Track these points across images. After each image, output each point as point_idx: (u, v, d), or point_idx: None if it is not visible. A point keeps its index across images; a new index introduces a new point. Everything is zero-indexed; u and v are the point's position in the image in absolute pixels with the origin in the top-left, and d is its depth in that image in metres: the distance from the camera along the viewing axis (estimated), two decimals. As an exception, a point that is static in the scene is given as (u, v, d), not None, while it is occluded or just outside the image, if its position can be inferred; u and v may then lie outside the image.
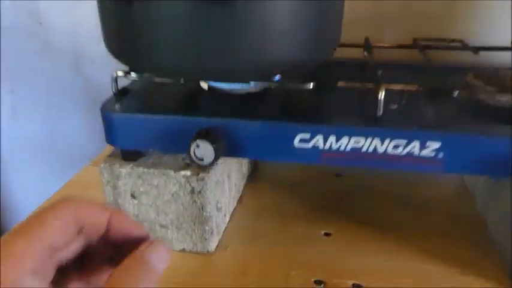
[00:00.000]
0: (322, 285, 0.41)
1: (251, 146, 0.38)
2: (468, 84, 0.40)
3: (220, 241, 0.47)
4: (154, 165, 0.42)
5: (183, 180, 0.41)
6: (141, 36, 0.35)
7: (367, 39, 0.49)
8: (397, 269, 0.43)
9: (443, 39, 0.50)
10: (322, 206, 0.53)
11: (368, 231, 0.48)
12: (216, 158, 0.36)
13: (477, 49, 0.47)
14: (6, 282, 0.21)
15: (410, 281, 0.41)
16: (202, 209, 0.42)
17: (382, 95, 0.36)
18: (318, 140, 0.37)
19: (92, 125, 0.97)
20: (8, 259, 0.21)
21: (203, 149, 0.36)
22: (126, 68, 0.42)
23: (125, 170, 0.42)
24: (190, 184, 0.41)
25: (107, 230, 0.26)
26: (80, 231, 0.25)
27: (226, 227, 0.49)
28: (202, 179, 0.41)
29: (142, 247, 0.25)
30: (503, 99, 0.38)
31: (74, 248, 0.26)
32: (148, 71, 0.40)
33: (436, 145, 0.36)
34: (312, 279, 0.42)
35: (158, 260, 0.25)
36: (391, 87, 0.38)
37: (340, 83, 0.38)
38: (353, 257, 0.45)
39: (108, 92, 0.44)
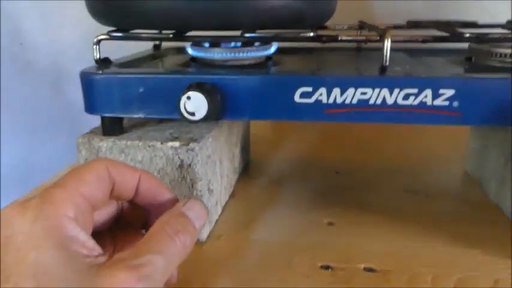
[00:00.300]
0: (330, 270, 0.36)
1: (248, 104, 0.35)
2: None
3: (211, 232, 0.42)
4: (138, 138, 0.38)
5: (170, 152, 0.37)
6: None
7: (361, 22, 0.47)
8: (409, 251, 0.38)
9: (438, 21, 0.49)
10: (322, 198, 0.49)
11: (374, 218, 0.44)
12: (210, 113, 0.32)
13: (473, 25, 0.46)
14: (47, 225, 0.21)
15: (429, 262, 0.37)
16: (192, 186, 0.38)
17: (388, 42, 0.34)
18: (321, 93, 0.34)
19: (73, 148, 0.92)
20: (49, 204, 0.22)
21: (195, 101, 0.32)
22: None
23: (105, 144, 0.38)
24: (179, 157, 0.37)
25: (137, 191, 0.27)
26: (112, 190, 0.25)
27: (218, 219, 0.44)
28: (193, 150, 0.36)
29: (180, 203, 0.26)
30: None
31: (107, 211, 0.27)
32: (135, 23, 0.36)
33: (450, 92, 0.33)
34: (319, 264, 0.37)
35: (196, 216, 0.25)
36: (397, 35, 0.35)
37: (342, 35, 0.35)
38: (361, 242, 0.40)
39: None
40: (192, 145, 0.36)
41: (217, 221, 0.43)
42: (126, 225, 0.28)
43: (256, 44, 0.41)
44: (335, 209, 0.46)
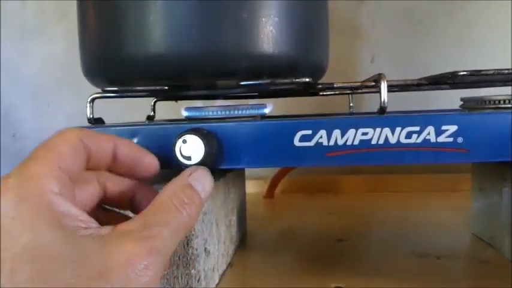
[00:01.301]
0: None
1: (246, 150, 0.33)
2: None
3: (209, 300, 0.38)
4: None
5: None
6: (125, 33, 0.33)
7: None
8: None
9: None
10: (327, 264, 0.45)
11: (385, 282, 0.40)
12: (207, 157, 0.31)
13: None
14: (34, 204, 0.20)
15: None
16: (187, 244, 0.35)
17: (384, 84, 0.34)
18: (321, 135, 0.33)
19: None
20: (30, 181, 0.20)
21: (191, 144, 0.31)
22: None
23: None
24: (173, 212, 0.34)
25: (115, 158, 0.26)
26: (89, 160, 0.25)
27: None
28: (188, 203, 0.34)
29: (186, 172, 0.26)
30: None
31: (89, 191, 0.26)
32: (129, 77, 0.36)
33: (452, 128, 0.32)
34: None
35: (202, 188, 0.25)
36: (392, 79, 0.35)
37: (337, 83, 0.35)
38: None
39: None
40: (187, 199, 0.34)
41: (214, 289, 0.39)
42: (108, 210, 0.28)
43: (251, 103, 0.41)
44: (342, 274, 0.42)
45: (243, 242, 0.53)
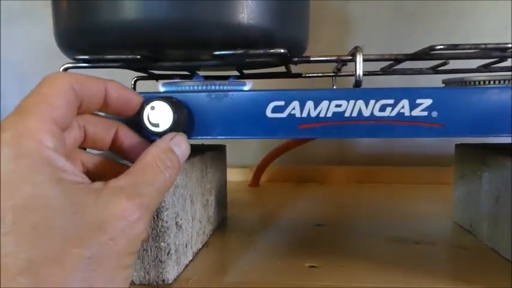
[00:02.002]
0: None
1: (217, 121, 0.33)
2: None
3: (179, 275, 0.37)
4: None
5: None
6: None
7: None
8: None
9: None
10: (304, 246, 0.45)
11: (361, 264, 0.39)
12: (176, 125, 0.30)
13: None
14: (32, 161, 0.20)
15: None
16: (157, 217, 0.34)
17: (360, 57, 0.33)
18: (294, 107, 0.32)
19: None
20: (27, 138, 0.21)
21: (159, 111, 0.30)
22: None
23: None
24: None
25: (105, 101, 0.26)
26: (79, 106, 0.25)
27: (188, 264, 0.39)
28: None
29: (167, 137, 0.28)
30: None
31: (72, 134, 0.26)
32: (103, 44, 0.35)
33: (427, 102, 0.31)
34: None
35: (181, 153, 0.28)
36: (369, 53, 0.35)
37: (314, 57, 0.35)
38: (348, 285, 0.35)
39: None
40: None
41: (186, 265, 0.39)
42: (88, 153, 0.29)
43: (231, 79, 0.41)
44: (318, 255, 0.41)
45: (223, 225, 0.52)
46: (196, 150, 0.41)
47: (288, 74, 0.48)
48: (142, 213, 0.22)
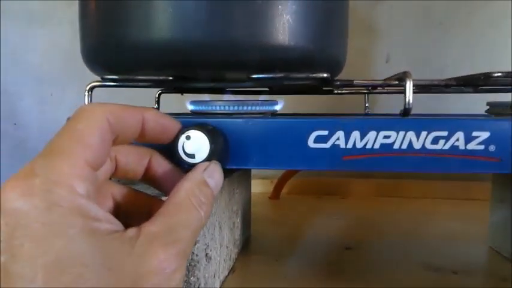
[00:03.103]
0: None
1: (255, 150, 0.30)
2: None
3: (208, 309, 0.35)
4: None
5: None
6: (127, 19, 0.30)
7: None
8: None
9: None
10: (333, 274, 0.42)
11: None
12: (212, 155, 0.28)
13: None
14: (65, 210, 0.19)
15: None
16: (187, 250, 0.32)
17: (410, 83, 0.31)
18: (339, 137, 0.30)
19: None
20: (59, 185, 0.19)
21: (195, 141, 0.28)
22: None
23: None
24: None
25: (142, 132, 0.25)
26: (115, 139, 0.23)
27: (216, 295, 0.37)
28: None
29: (200, 167, 0.26)
30: None
31: (104, 169, 0.24)
32: (132, 64, 0.33)
33: (484, 135, 0.29)
34: None
35: (215, 185, 0.26)
36: (418, 79, 0.32)
37: (357, 80, 0.32)
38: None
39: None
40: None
41: (215, 297, 0.37)
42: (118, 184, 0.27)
43: (262, 98, 0.38)
44: (349, 285, 0.39)
45: (247, 245, 0.50)
46: (224, 172, 0.39)
47: (319, 91, 0.46)
48: (180, 263, 0.21)
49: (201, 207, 0.23)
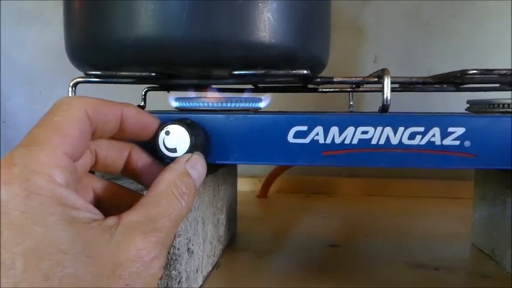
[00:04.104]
0: None
1: (236, 146, 0.31)
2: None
3: (190, 304, 0.35)
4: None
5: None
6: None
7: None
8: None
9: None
10: (317, 271, 0.43)
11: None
12: (194, 148, 0.28)
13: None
14: (43, 199, 0.19)
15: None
16: (169, 244, 0.32)
17: (388, 80, 0.31)
18: (318, 132, 0.30)
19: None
20: (38, 173, 0.19)
21: (175, 135, 0.28)
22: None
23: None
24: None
25: (121, 129, 0.25)
26: (93, 133, 0.23)
27: (198, 290, 0.38)
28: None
29: (183, 158, 0.26)
30: None
31: (83, 161, 0.24)
32: (116, 61, 0.33)
33: (460, 131, 0.29)
34: None
35: (197, 176, 0.26)
36: (397, 76, 0.33)
37: (338, 77, 0.33)
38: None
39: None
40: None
41: (197, 292, 0.37)
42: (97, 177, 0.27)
43: (246, 93, 0.39)
44: (333, 282, 0.40)
45: (233, 242, 0.51)
46: (208, 168, 0.39)
47: (303, 89, 0.46)
48: (159, 251, 0.21)
49: (183, 197, 0.23)
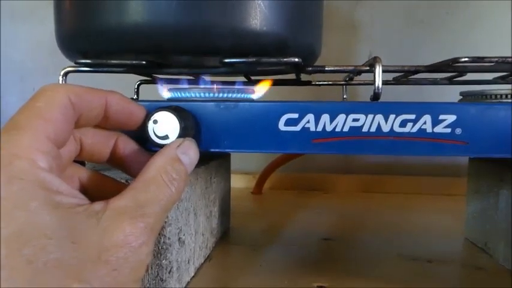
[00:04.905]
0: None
1: (225, 133, 0.31)
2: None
3: (181, 294, 0.35)
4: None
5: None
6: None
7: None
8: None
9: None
10: (311, 264, 0.43)
11: (373, 286, 0.37)
12: (185, 132, 0.28)
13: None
14: (26, 184, 0.18)
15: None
16: (159, 233, 0.32)
17: (379, 68, 0.31)
18: (309, 120, 0.30)
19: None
20: (20, 158, 0.19)
21: (164, 121, 0.28)
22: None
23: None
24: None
25: (105, 114, 0.25)
26: (77, 120, 0.23)
27: (189, 281, 0.37)
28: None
29: (174, 143, 0.25)
30: None
31: (68, 148, 0.24)
32: (106, 48, 0.33)
33: (451, 118, 0.29)
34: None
35: (189, 162, 0.25)
36: (388, 65, 0.33)
37: (329, 66, 0.33)
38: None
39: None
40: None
41: (188, 282, 0.37)
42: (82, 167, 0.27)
43: (238, 83, 0.39)
44: (326, 274, 0.39)
45: (226, 236, 0.50)
46: (201, 159, 0.39)
47: (297, 81, 0.46)
48: (147, 237, 0.20)
49: (172, 183, 0.23)
